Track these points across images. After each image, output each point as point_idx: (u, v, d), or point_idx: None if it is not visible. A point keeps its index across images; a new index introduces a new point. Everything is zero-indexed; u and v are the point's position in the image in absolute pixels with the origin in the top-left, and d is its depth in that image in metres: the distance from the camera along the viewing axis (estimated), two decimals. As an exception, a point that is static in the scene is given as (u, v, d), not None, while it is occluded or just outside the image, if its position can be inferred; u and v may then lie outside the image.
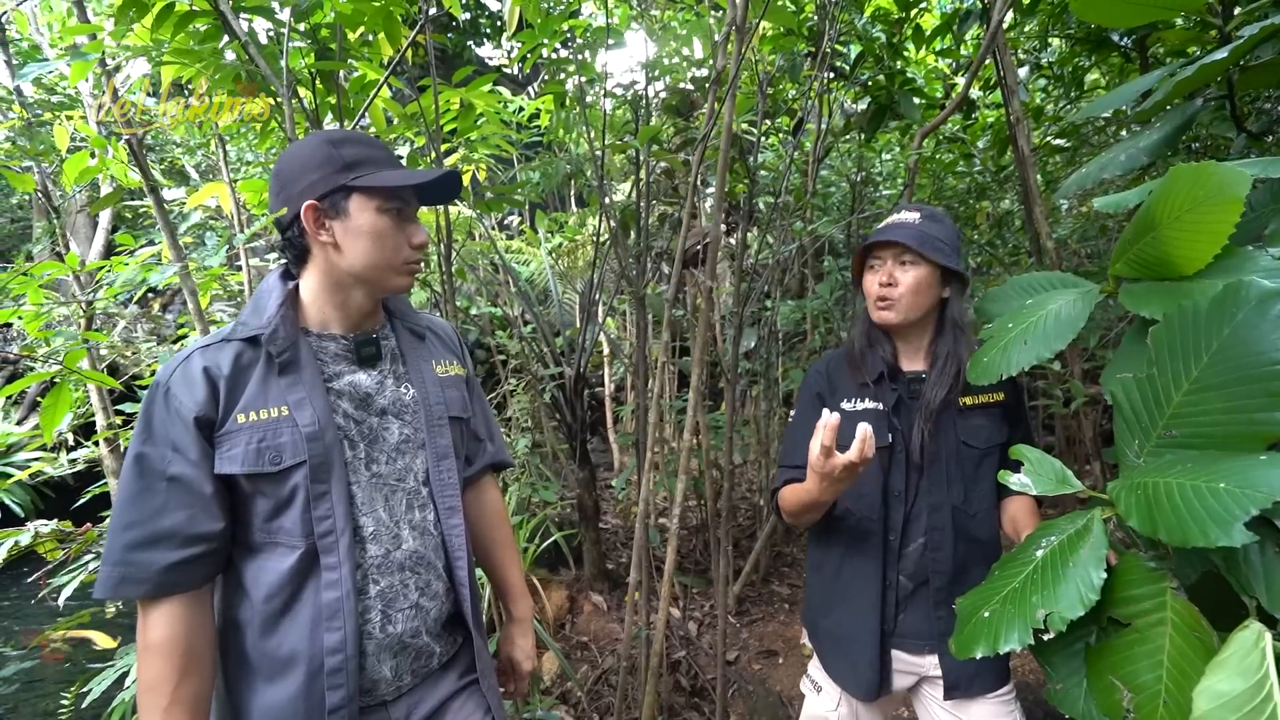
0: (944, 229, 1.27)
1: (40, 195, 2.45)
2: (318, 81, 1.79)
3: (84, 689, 1.68)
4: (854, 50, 2.94)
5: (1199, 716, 0.58)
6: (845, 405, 1.32)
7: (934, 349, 1.31)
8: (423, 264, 1.07)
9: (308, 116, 1.75)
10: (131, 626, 0.93)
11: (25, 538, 1.56)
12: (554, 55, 2.41)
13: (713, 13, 2.40)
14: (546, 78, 2.56)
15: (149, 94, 2.73)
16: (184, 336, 2.44)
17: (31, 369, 3.91)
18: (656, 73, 2.62)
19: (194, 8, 1.57)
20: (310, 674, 0.92)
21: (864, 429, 1.00)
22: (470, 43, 7.06)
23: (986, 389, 1.27)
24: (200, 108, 1.67)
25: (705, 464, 3.01)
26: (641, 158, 2.54)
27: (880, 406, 1.30)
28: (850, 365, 1.36)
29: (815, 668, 1.42)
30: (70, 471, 2.21)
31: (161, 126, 1.86)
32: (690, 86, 2.83)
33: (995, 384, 1.05)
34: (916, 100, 2.81)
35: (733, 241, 3.71)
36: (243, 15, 1.63)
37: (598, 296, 3.31)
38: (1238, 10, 1.28)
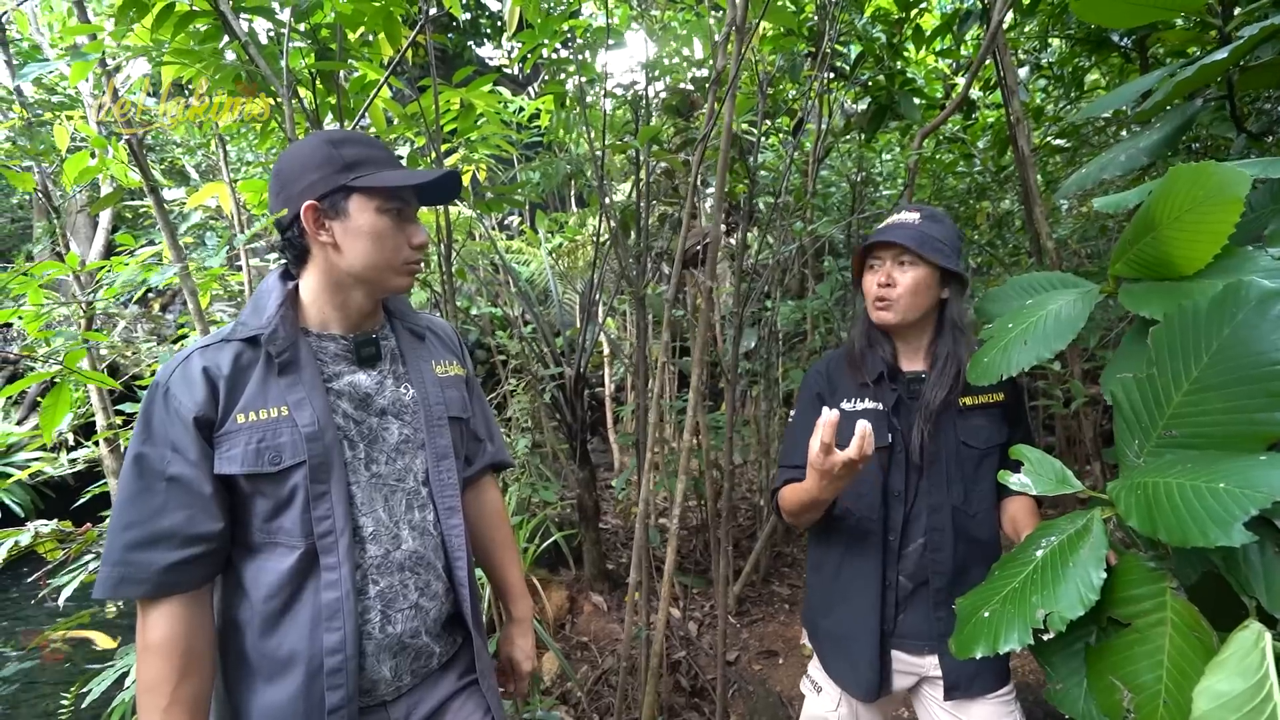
0: (944, 229, 1.27)
1: (40, 195, 2.45)
2: (318, 81, 1.79)
3: (84, 689, 1.67)
4: (854, 50, 2.94)
5: (1199, 716, 0.59)
6: (845, 405, 1.32)
7: (934, 349, 1.31)
8: (423, 264, 1.07)
9: (308, 117, 1.75)
10: (131, 627, 0.93)
11: (25, 538, 1.56)
12: (554, 55, 2.41)
13: (713, 13, 2.40)
14: (546, 78, 2.56)
15: (149, 94, 2.74)
16: (184, 336, 2.44)
17: (31, 369, 3.91)
18: (656, 73, 2.62)
19: (194, 8, 1.57)
20: (310, 674, 0.93)
21: (863, 426, 1.00)
22: (470, 43, 7.06)
23: (986, 389, 1.27)
24: (200, 108, 1.67)
25: (705, 464, 3.01)
26: (641, 158, 2.54)
27: (880, 407, 1.30)
28: (850, 365, 1.36)
29: (815, 668, 1.42)
30: (70, 471, 2.21)
31: (161, 126, 1.87)
32: (690, 86, 2.83)
33: (995, 384, 1.05)
34: (916, 100, 2.81)
35: (733, 241, 3.70)
36: (243, 15, 1.63)
37: (598, 296, 3.31)
38: (1238, 10, 1.28)
